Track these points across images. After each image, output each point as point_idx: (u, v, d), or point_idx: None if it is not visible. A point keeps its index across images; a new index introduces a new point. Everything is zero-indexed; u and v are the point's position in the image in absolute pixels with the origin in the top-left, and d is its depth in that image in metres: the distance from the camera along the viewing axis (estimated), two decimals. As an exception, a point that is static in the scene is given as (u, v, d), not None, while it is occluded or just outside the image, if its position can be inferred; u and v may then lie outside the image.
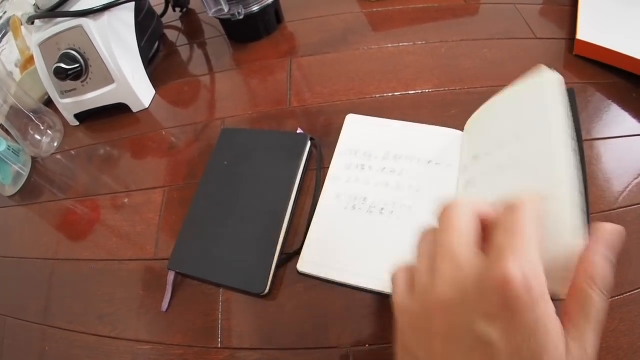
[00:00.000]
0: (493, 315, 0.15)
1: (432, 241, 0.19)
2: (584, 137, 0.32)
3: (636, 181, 0.31)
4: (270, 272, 0.29)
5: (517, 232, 0.16)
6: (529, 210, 0.17)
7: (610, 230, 0.17)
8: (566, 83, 0.36)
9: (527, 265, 0.15)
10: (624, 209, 0.29)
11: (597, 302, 0.16)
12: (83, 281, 0.35)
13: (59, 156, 0.45)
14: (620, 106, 0.35)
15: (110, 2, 0.40)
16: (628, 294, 0.26)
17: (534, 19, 0.43)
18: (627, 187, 0.30)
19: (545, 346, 0.14)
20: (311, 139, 0.35)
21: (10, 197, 0.43)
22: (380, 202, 0.31)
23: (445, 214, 0.19)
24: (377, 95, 0.39)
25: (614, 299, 0.26)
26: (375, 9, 0.47)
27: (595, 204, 0.29)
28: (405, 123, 0.35)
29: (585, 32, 0.38)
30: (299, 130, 0.36)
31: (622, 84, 0.36)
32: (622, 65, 0.36)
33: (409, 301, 0.19)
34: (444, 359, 0.16)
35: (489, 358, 0.15)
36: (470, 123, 0.33)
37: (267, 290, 0.29)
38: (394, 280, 0.20)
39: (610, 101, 0.35)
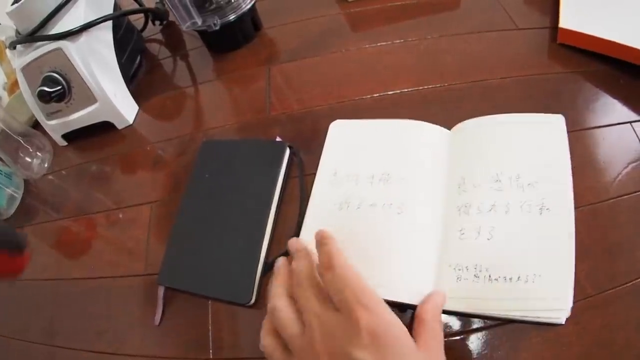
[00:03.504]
0: (365, 346, 0.20)
1: (288, 307, 0.24)
2: (573, 128, 0.32)
3: (626, 170, 0.30)
4: (254, 281, 0.30)
5: (352, 287, 0.22)
6: (340, 263, 0.24)
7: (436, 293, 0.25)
8: (551, 73, 0.36)
9: (372, 305, 0.21)
10: (615, 199, 0.29)
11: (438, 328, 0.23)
12: (81, 299, 0.35)
13: (50, 177, 0.45)
14: (608, 94, 0.34)
15: (88, 23, 0.40)
16: (621, 287, 0.26)
17: (515, 10, 0.42)
18: (617, 176, 0.30)
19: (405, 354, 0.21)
20: (290, 147, 0.35)
21: (5, 220, 0.44)
22: (370, 207, 0.31)
23: (299, 283, 0.24)
24: (357, 98, 0.39)
25: (606, 292, 0.25)
26: (353, 10, 0.47)
27: (585, 196, 0.29)
28: (389, 121, 0.35)
29: (568, 20, 0.37)
30: (278, 138, 0.37)
31: (608, 70, 0.35)
32: (607, 52, 0.35)
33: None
34: None
35: None
36: (461, 127, 0.33)
37: (253, 300, 0.30)
38: (268, 350, 0.24)
39: (598, 89, 0.35)
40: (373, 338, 0.20)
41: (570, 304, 0.24)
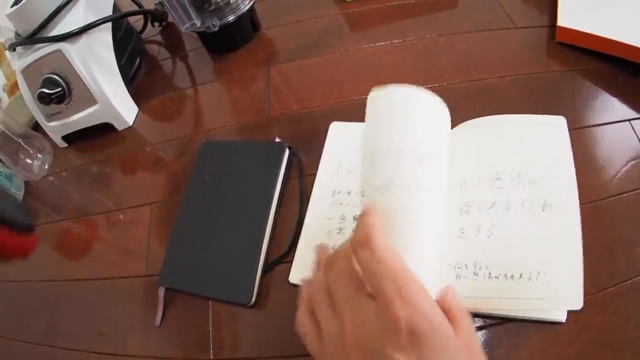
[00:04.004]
0: (403, 347, 0.17)
1: (324, 290, 0.21)
2: (573, 126, 0.32)
3: (625, 168, 0.30)
4: (254, 282, 0.30)
5: (393, 276, 0.18)
6: (385, 247, 0.19)
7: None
8: (550, 71, 0.36)
9: (417, 301, 0.18)
10: (614, 197, 0.29)
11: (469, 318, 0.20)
12: (82, 300, 0.36)
13: (51, 178, 0.45)
14: (607, 92, 0.34)
15: (87, 25, 0.40)
16: (620, 285, 0.26)
17: (514, 8, 0.42)
18: (617, 174, 0.30)
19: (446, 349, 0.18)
20: (289, 147, 0.36)
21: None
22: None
23: (330, 264, 0.21)
24: (355, 98, 0.39)
25: (606, 290, 0.25)
26: (351, 10, 0.47)
27: (585, 194, 0.29)
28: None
29: (566, 18, 0.37)
30: (277, 139, 0.37)
31: (607, 68, 0.35)
32: (605, 50, 0.35)
33: (322, 346, 0.20)
34: None
35: None
36: (462, 127, 0.33)
37: (253, 300, 0.30)
38: (302, 331, 0.22)
39: (596, 87, 0.35)
40: (414, 339, 0.17)
41: (581, 301, 0.24)
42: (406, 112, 0.25)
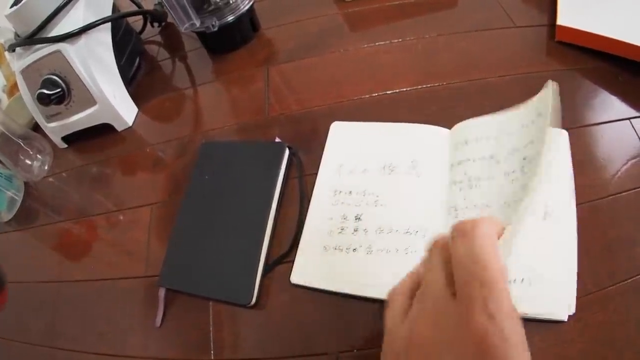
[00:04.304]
0: (467, 358, 0.16)
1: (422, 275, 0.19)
2: (573, 125, 0.32)
3: (625, 167, 0.30)
4: (255, 282, 0.30)
5: (485, 280, 0.16)
6: (488, 244, 0.17)
7: None
8: (550, 70, 0.36)
9: (500, 316, 0.15)
10: (614, 196, 0.29)
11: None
12: (82, 301, 0.35)
13: (50, 179, 0.45)
14: (607, 91, 0.34)
15: (87, 25, 0.40)
16: (621, 284, 0.26)
17: (513, 7, 0.42)
18: (617, 173, 0.30)
19: None
20: (289, 147, 0.35)
21: (6, 222, 0.44)
22: (372, 207, 0.31)
23: (429, 251, 0.20)
24: (355, 98, 0.39)
25: (607, 289, 0.25)
26: (351, 9, 0.47)
27: (585, 193, 0.29)
28: (389, 124, 0.35)
29: (566, 17, 0.37)
30: (277, 139, 0.37)
31: (607, 67, 0.35)
32: (605, 49, 0.35)
33: (397, 327, 0.19)
34: None
35: None
36: (460, 127, 0.33)
37: (254, 301, 0.30)
38: (390, 301, 0.20)
39: (596, 86, 0.35)
40: (482, 353, 0.15)
41: (574, 301, 0.24)
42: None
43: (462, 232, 0.17)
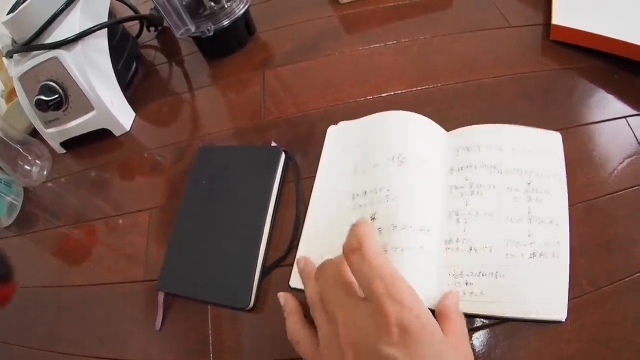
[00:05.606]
0: (395, 343, 0.19)
1: (317, 298, 0.23)
2: (570, 125, 0.32)
3: (622, 166, 0.30)
4: (252, 286, 0.30)
5: (378, 274, 0.20)
6: (375, 252, 0.21)
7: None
8: (546, 70, 0.36)
9: (405, 301, 0.19)
10: (611, 195, 0.29)
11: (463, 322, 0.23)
12: (82, 306, 0.36)
13: (49, 184, 0.46)
14: (603, 89, 0.34)
15: (83, 31, 0.40)
16: (618, 283, 0.26)
17: (508, 7, 0.42)
18: (614, 172, 0.30)
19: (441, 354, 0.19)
20: (285, 152, 0.36)
21: (6, 228, 0.44)
22: (371, 209, 0.31)
23: (321, 273, 0.23)
24: (351, 101, 0.39)
25: (604, 289, 0.25)
26: (346, 12, 0.47)
27: (582, 192, 0.29)
28: (387, 113, 0.35)
29: (561, 16, 0.37)
30: (273, 143, 0.37)
31: (602, 66, 0.35)
32: (600, 47, 0.35)
33: (317, 351, 0.22)
34: None
35: None
36: (462, 132, 0.33)
37: (251, 305, 0.30)
38: (295, 339, 0.24)
39: (592, 85, 0.35)
40: (404, 334, 0.18)
41: (566, 303, 0.25)
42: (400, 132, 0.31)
43: (351, 250, 0.21)
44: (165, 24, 0.54)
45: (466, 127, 0.33)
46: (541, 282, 0.25)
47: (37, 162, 0.46)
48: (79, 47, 0.40)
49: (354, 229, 0.22)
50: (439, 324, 0.21)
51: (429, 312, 0.20)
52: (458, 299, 0.25)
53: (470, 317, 0.26)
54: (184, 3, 0.40)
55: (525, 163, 0.30)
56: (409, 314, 0.19)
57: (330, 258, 0.24)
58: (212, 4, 0.42)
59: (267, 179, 0.34)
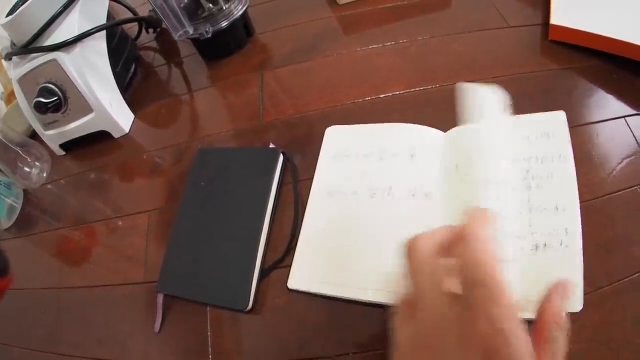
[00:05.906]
0: None
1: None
2: (569, 124, 0.32)
3: (621, 166, 0.30)
4: (251, 288, 0.30)
5: (487, 283, 0.16)
6: (484, 241, 0.17)
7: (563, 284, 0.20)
8: (545, 70, 0.36)
9: (504, 322, 0.16)
10: (610, 195, 0.29)
11: (562, 341, 0.18)
12: (82, 308, 0.36)
13: (49, 186, 0.46)
14: (602, 89, 0.34)
15: (82, 34, 0.40)
16: (617, 283, 0.26)
17: (507, 7, 0.42)
18: (613, 172, 0.30)
19: None
20: (283, 153, 0.36)
21: (6, 230, 0.44)
22: (370, 216, 0.31)
23: (410, 254, 0.20)
24: (349, 102, 0.39)
25: (603, 289, 0.25)
26: (344, 13, 0.47)
27: (581, 192, 0.29)
28: (384, 125, 0.35)
29: (560, 16, 0.37)
30: (271, 145, 0.37)
31: (601, 65, 0.35)
32: (599, 47, 0.35)
33: (403, 330, 0.20)
34: None
35: None
36: (457, 131, 0.33)
37: (250, 306, 0.30)
38: (396, 305, 0.21)
39: (591, 85, 0.34)
40: (486, 357, 0.16)
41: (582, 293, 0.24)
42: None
43: (460, 233, 0.18)
44: (164, 26, 0.54)
45: (463, 126, 0.33)
46: (549, 276, 0.25)
47: (37, 164, 0.46)
48: (78, 49, 0.40)
49: (470, 216, 0.18)
50: (533, 342, 0.17)
51: (528, 343, 0.16)
52: (561, 310, 0.19)
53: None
54: (182, 5, 0.40)
55: (523, 151, 0.30)
56: (502, 341, 0.16)
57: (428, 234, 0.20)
58: (210, 5, 0.42)
59: (265, 181, 0.34)
